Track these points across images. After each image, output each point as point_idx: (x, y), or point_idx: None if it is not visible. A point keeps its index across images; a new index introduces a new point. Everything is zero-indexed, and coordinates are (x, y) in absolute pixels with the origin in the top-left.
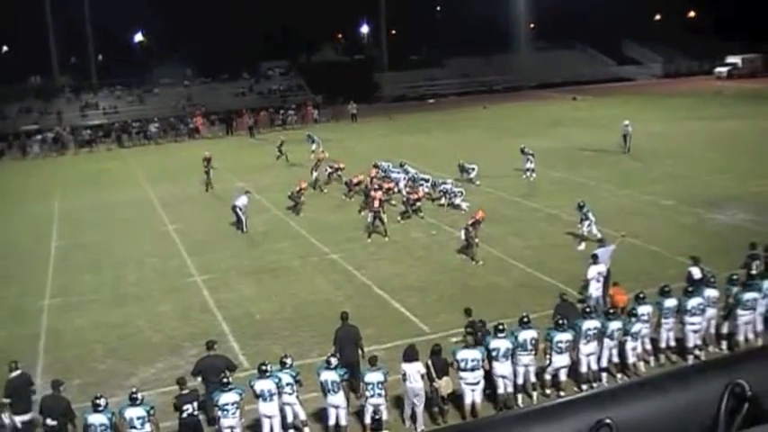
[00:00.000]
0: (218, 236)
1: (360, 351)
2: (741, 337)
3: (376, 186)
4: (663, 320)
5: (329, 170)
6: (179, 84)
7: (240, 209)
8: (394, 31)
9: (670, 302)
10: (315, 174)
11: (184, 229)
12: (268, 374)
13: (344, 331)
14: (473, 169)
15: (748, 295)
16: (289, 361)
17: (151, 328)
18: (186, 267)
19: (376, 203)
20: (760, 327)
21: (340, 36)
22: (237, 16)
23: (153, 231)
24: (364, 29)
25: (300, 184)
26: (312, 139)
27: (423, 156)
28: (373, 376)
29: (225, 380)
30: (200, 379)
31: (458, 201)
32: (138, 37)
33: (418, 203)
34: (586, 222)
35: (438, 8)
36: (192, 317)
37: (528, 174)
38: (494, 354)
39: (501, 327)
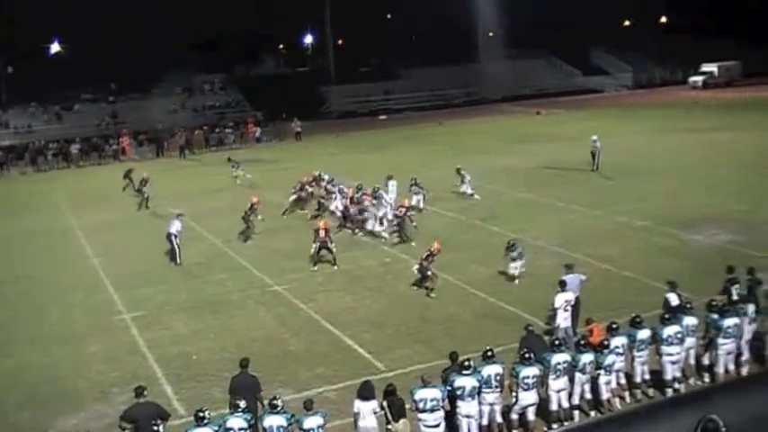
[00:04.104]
0: (148, 268)
1: (259, 402)
2: (721, 369)
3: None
4: (636, 353)
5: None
6: (102, 99)
7: (175, 236)
8: (341, 41)
9: (643, 334)
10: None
11: (111, 260)
12: (206, 422)
13: (241, 380)
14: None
15: (729, 321)
16: (242, 404)
17: (73, 373)
18: (113, 303)
19: (322, 233)
20: (747, 355)
21: (282, 47)
22: (168, 23)
23: (75, 263)
24: (308, 38)
25: (251, 200)
26: (235, 164)
27: (372, 175)
28: (312, 421)
29: (156, 429)
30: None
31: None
32: (56, 47)
33: (410, 213)
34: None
35: (389, 16)
36: (120, 359)
37: (466, 195)
38: (459, 393)
39: (467, 363)
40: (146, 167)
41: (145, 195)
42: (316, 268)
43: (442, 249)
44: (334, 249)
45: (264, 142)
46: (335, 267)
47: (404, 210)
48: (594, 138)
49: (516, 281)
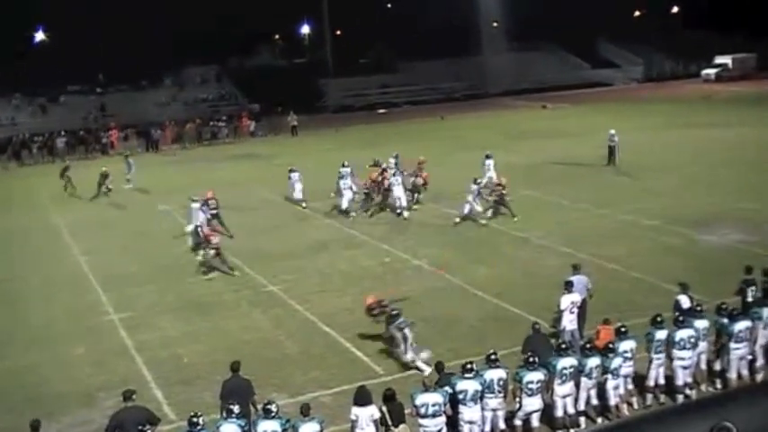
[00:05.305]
0: (137, 267)
1: (252, 406)
2: (734, 375)
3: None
4: (654, 355)
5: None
6: (90, 91)
7: (200, 227)
8: (339, 32)
9: (661, 334)
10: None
11: (98, 259)
12: (200, 428)
13: (233, 384)
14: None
15: (740, 325)
16: (236, 409)
17: (58, 376)
18: (101, 304)
19: (213, 239)
20: (761, 360)
21: (277, 37)
22: (159, 12)
23: (61, 262)
24: (305, 29)
25: (207, 195)
26: (129, 164)
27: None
28: (308, 427)
29: None
30: None
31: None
32: (40, 35)
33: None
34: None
35: (389, 5)
36: (107, 362)
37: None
38: (461, 397)
39: (469, 366)
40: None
41: (104, 190)
42: (213, 275)
43: (374, 303)
44: (227, 258)
45: (259, 137)
46: (235, 273)
47: (500, 188)
48: (612, 132)
49: (426, 368)
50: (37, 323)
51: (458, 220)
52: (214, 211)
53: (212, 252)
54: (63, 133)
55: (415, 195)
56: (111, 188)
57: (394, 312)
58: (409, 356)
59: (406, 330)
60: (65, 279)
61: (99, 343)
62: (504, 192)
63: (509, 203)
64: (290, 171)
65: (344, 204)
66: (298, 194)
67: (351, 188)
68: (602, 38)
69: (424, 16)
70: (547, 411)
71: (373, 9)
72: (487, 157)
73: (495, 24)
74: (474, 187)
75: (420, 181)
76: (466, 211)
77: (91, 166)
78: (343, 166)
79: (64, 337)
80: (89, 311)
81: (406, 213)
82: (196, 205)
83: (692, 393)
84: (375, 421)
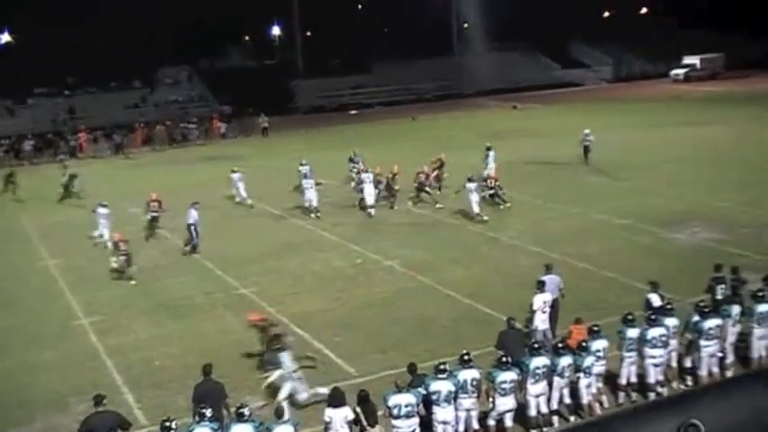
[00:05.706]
0: (107, 270)
1: (225, 410)
2: (704, 372)
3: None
4: (625, 353)
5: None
6: (58, 94)
7: (194, 226)
8: (309, 33)
9: (633, 333)
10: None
11: (67, 263)
12: None
13: (205, 387)
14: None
15: (711, 322)
16: (208, 413)
17: (28, 382)
18: (70, 308)
19: (122, 245)
20: (731, 358)
21: (247, 38)
22: (128, 13)
23: (29, 266)
24: (276, 30)
25: (151, 196)
26: (70, 176)
27: (344, 174)
28: (282, 430)
29: None
30: None
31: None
32: (5, 37)
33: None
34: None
35: (360, 6)
36: (77, 366)
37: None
38: (434, 398)
39: (442, 367)
40: (103, 164)
41: (73, 190)
42: (134, 282)
43: (260, 320)
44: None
45: (230, 138)
46: (133, 282)
47: (493, 181)
48: (587, 131)
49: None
50: (4, 328)
51: (486, 218)
52: (155, 214)
53: (123, 258)
54: (29, 136)
55: (421, 194)
56: (71, 190)
57: (278, 345)
58: (281, 396)
59: (293, 369)
60: (34, 283)
61: (69, 347)
62: (497, 185)
63: (502, 196)
64: (232, 172)
65: (306, 202)
66: (242, 194)
67: (312, 187)
68: (572, 39)
69: (397, 16)
70: (520, 411)
71: (344, 10)
72: (488, 148)
73: (465, 25)
74: (472, 185)
75: (422, 177)
76: (476, 209)
77: (58, 170)
78: (302, 164)
79: (34, 341)
80: (58, 315)
81: (372, 212)
82: (103, 211)
83: (664, 391)
84: (349, 422)
